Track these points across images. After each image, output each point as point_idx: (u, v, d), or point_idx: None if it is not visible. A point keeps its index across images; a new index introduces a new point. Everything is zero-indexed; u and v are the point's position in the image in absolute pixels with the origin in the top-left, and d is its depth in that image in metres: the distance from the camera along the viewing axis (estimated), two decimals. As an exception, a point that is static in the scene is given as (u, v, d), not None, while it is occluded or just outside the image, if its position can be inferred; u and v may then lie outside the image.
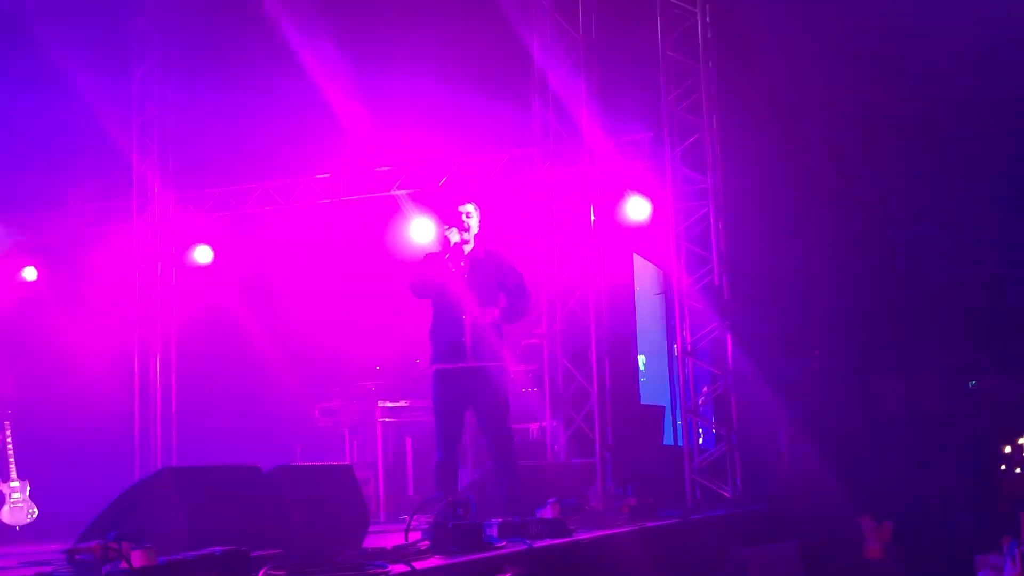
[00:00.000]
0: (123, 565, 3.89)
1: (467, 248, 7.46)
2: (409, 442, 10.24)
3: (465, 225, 7.40)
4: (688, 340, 9.72)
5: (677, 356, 9.85)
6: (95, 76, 10.82)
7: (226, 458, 9.79)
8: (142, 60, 11.56)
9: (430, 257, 7.54)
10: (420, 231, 10.69)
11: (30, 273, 12.04)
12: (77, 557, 4.22)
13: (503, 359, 7.52)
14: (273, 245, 11.71)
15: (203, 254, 11.47)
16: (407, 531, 6.31)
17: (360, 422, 10.24)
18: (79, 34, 10.59)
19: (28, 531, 10.33)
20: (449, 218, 7.51)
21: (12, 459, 10.48)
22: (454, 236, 7.40)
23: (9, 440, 10.53)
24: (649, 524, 7.38)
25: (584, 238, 9.87)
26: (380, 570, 4.79)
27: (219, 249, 11.71)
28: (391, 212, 11.11)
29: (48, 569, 4.63)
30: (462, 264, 7.39)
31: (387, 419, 10.07)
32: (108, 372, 11.31)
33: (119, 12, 11.19)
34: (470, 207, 7.48)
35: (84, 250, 11.92)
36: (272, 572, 4.47)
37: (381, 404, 10.05)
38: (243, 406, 11.12)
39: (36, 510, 10.42)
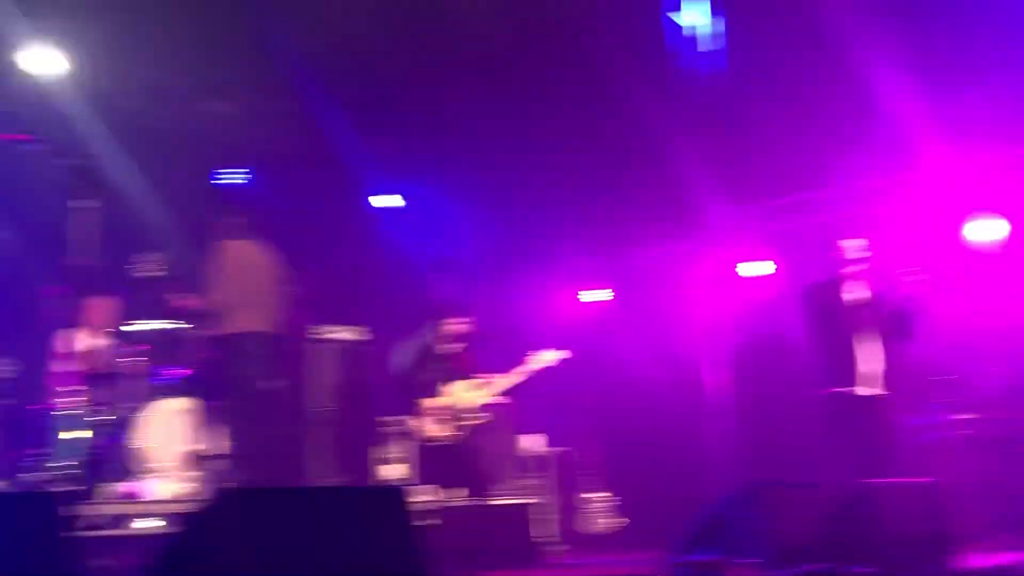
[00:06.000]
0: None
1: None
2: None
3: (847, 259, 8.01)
4: None
5: None
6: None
7: (788, 473, 9.83)
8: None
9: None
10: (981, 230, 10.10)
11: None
12: (678, 571, 4.43)
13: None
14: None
15: (762, 266, 11.50)
16: None
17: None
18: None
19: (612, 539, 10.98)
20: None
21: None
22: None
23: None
24: None
25: None
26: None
27: (779, 261, 11.70)
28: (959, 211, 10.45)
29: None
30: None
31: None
32: (677, 384, 11.69)
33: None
34: (848, 246, 8.02)
35: (650, 271, 12.40)
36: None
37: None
38: (801, 419, 10.98)
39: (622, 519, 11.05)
